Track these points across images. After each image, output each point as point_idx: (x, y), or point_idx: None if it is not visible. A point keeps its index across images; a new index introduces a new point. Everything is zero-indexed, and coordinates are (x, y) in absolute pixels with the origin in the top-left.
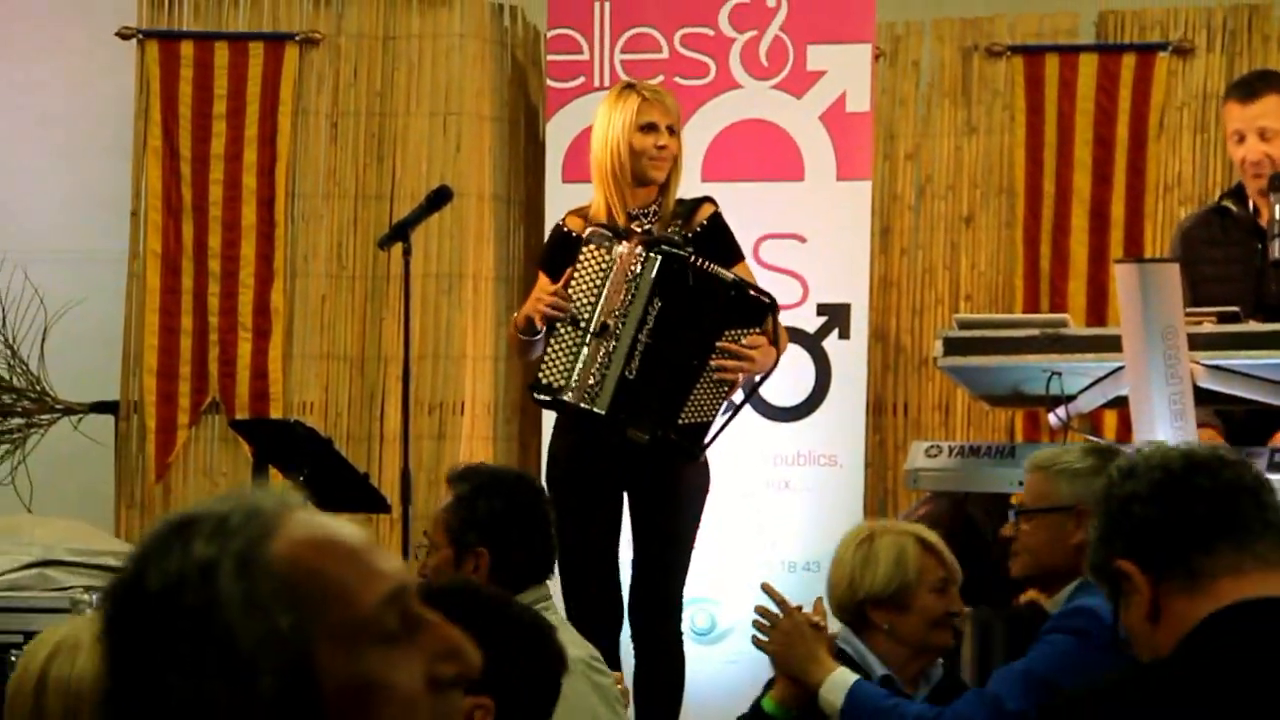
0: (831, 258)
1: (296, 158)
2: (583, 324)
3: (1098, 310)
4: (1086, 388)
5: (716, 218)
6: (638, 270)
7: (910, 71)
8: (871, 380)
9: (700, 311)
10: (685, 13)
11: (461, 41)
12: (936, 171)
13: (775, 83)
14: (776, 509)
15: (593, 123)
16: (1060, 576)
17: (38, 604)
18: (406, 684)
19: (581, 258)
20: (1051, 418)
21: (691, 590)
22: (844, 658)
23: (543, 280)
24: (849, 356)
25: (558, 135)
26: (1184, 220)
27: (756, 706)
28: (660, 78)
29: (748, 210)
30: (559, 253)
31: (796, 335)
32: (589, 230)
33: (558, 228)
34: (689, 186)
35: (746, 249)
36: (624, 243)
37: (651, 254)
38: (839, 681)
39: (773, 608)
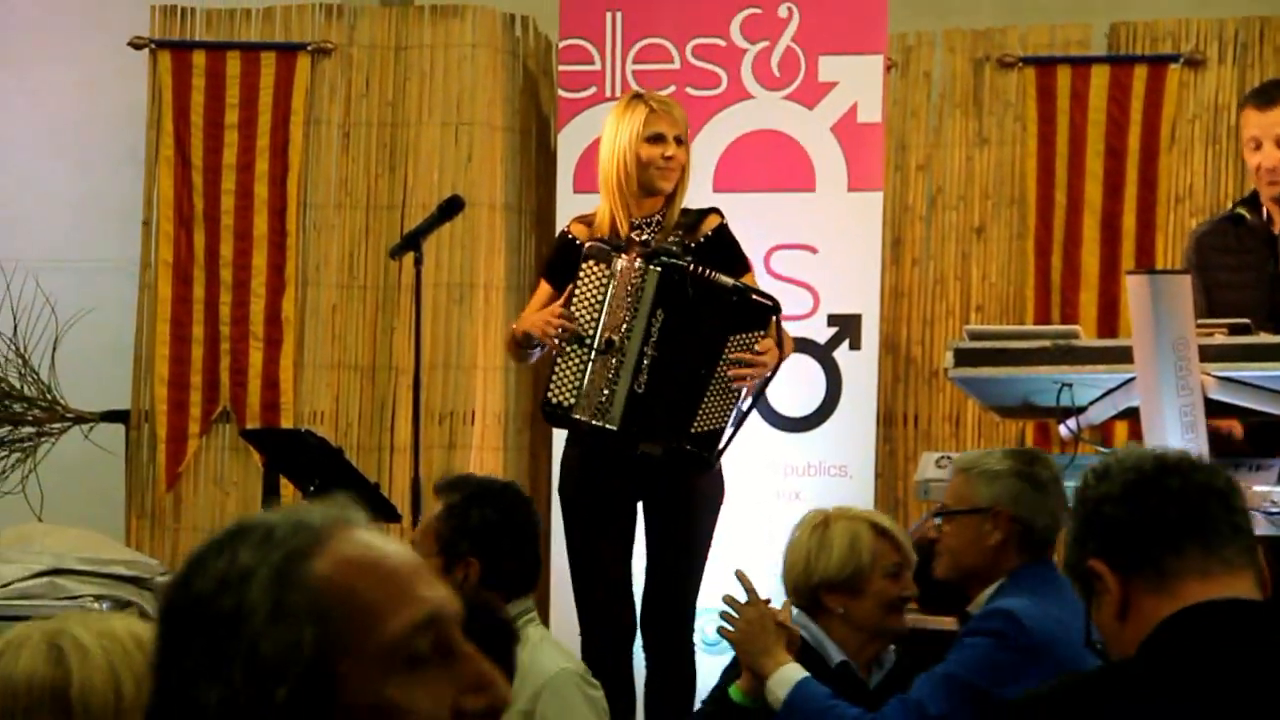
0: (842, 268)
1: (308, 167)
2: (588, 341)
3: (1109, 322)
4: (1097, 399)
5: (723, 229)
6: (638, 283)
7: (922, 82)
8: (882, 391)
9: (704, 319)
10: (697, 23)
11: (473, 52)
12: (948, 182)
13: (787, 93)
14: (787, 519)
15: (601, 132)
16: (980, 578)
17: (48, 612)
18: (429, 711)
19: (581, 274)
20: (1062, 429)
21: (702, 601)
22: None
23: (544, 287)
24: (859, 367)
25: (569, 145)
26: (1197, 228)
27: (723, 694)
28: (672, 88)
29: (759, 221)
30: (562, 260)
31: (807, 346)
32: (588, 245)
33: (562, 235)
34: (700, 197)
35: (757, 259)
36: (622, 256)
37: (651, 266)
38: (787, 676)
39: (744, 597)
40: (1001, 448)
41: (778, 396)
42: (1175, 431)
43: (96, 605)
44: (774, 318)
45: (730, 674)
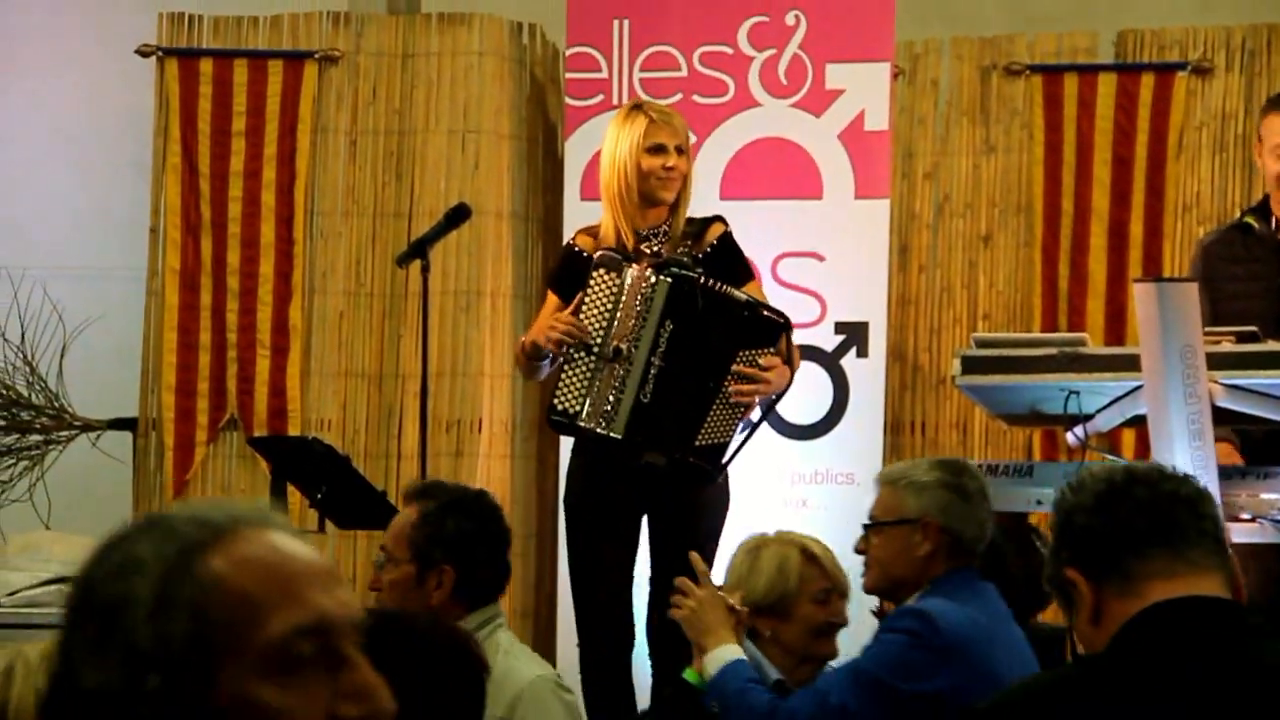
0: (849, 276)
1: (315, 175)
2: (595, 349)
3: (1116, 329)
4: (1104, 407)
5: (726, 237)
6: (648, 293)
7: (929, 90)
8: (889, 399)
9: (713, 332)
10: (704, 31)
11: (480, 60)
12: (955, 190)
13: (794, 101)
14: (794, 527)
15: (602, 143)
16: (909, 588)
17: (57, 620)
18: (298, 716)
19: (591, 282)
20: (1070, 437)
21: None
22: None
23: (551, 299)
24: (867, 375)
25: (576, 153)
26: (1205, 236)
27: (679, 677)
28: (679, 96)
29: (766, 228)
30: (569, 271)
31: (814, 353)
32: (598, 254)
33: (568, 246)
34: (708, 204)
35: (764, 267)
36: (633, 266)
37: (661, 277)
38: (722, 655)
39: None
40: (927, 458)
41: (785, 404)
42: (1183, 439)
43: None
44: (784, 334)
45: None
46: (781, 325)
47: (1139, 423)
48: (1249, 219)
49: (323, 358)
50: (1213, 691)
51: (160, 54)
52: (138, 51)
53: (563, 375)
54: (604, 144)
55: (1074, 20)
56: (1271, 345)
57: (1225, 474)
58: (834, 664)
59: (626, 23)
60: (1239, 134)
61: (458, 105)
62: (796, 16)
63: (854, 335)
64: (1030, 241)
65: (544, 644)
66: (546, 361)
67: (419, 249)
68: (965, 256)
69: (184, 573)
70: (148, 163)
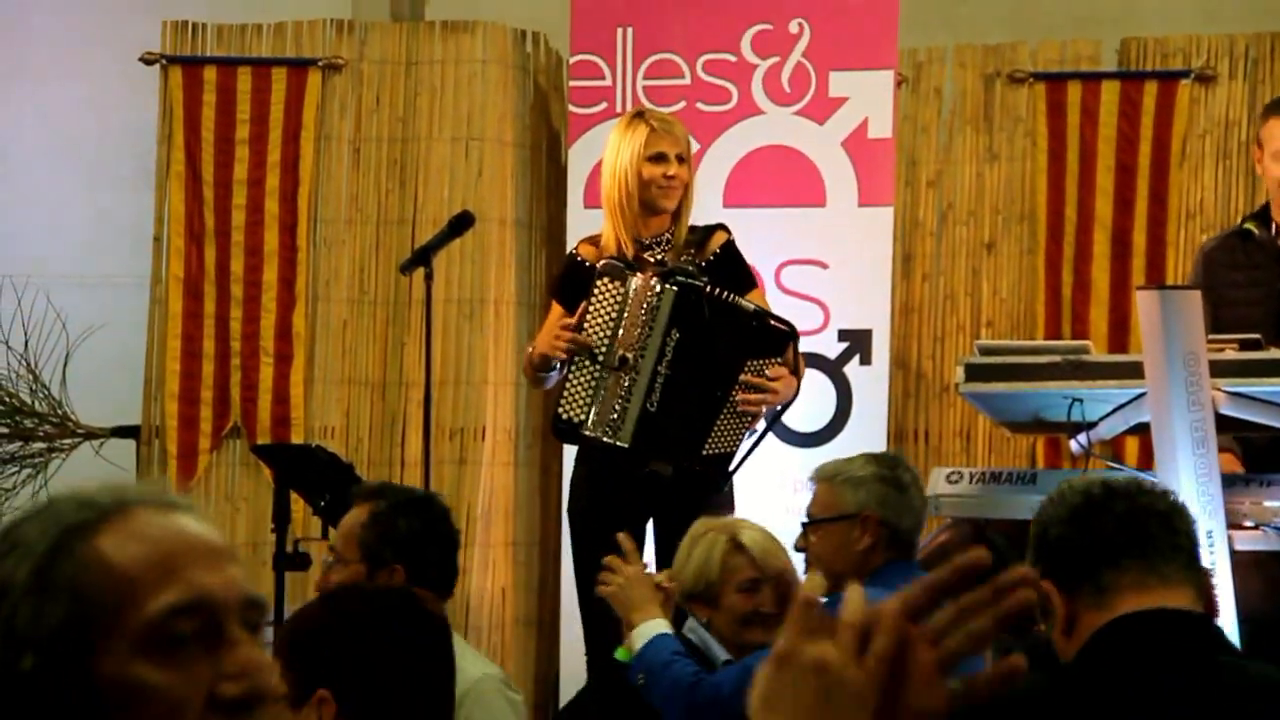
0: (853, 284)
1: (319, 183)
2: (601, 358)
3: (1119, 337)
4: (1108, 414)
5: (729, 245)
6: (654, 302)
7: (932, 98)
8: (893, 406)
9: (720, 342)
10: (707, 39)
11: (484, 67)
12: (958, 198)
13: (797, 109)
14: (795, 535)
15: (603, 152)
16: (849, 582)
17: None
18: (177, 694)
19: (596, 291)
20: (1073, 444)
21: None
22: (688, 645)
23: (556, 309)
24: (870, 382)
25: (579, 161)
26: (1205, 243)
27: (609, 657)
28: (682, 104)
29: (769, 236)
30: (572, 281)
31: (818, 361)
32: (602, 263)
33: (570, 256)
34: (711, 212)
35: (768, 274)
36: (638, 275)
37: (667, 285)
38: (649, 629)
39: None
40: (860, 454)
41: (788, 411)
42: (1186, 447)
43: None
44: (791, 344)
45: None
46: (789, 335)
47: (1142, 430)
48: (1249, 225)
49: (326, 365)
50: (1180, 704)
51: (164, 62)
52: (142, 59)
53: (567, 384)
54: (605, 152)
55: (1077, 28)
56: (1275, 353)
57: (1228, 482)
58: None
59: (630, 30)
60: (1242, 141)
61: (461, 113)
62: (800, 24)
63: (857, 343)
64: (1033, 249)
65: (548, 652)
66: (554, 373)
67: (422, 256)
68: (969, 264)
69: (64, 553)
70: (151, 171)
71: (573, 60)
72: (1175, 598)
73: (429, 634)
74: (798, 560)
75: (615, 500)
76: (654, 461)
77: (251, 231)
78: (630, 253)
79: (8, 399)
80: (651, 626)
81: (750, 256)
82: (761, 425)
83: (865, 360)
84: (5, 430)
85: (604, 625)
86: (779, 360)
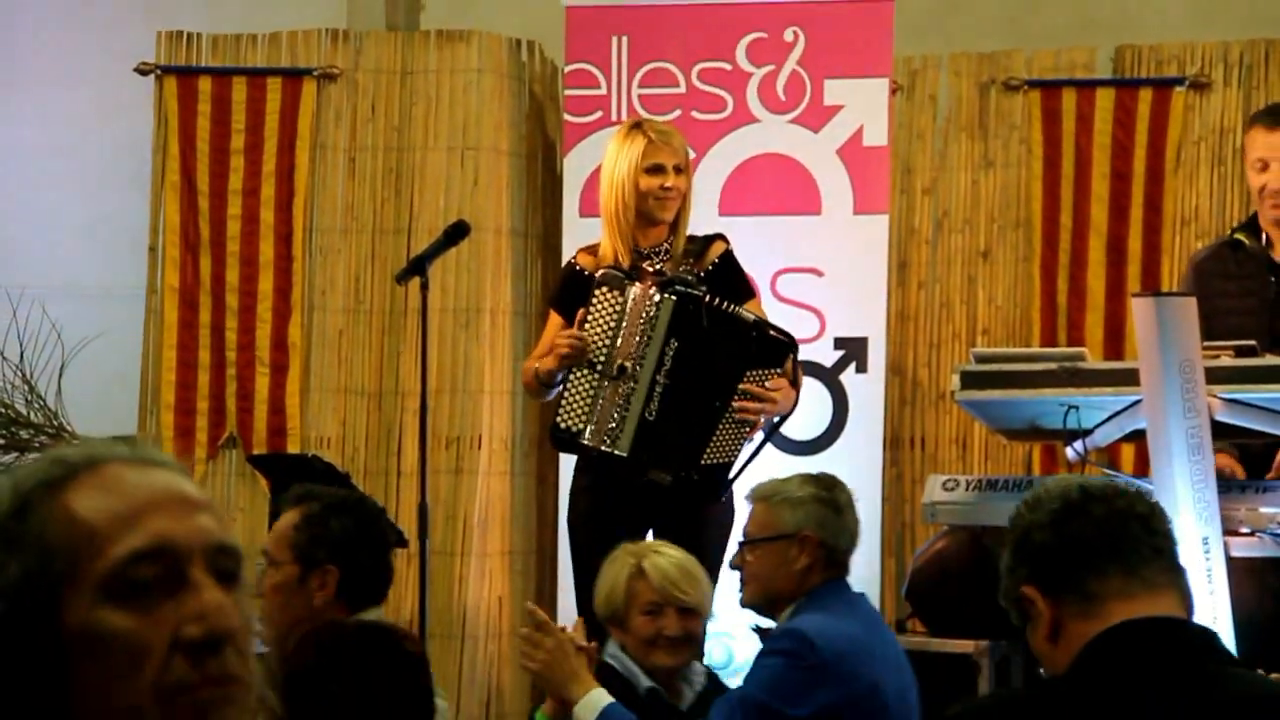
0: (848, 291)
1: (314, 192)
2: (599, 367)
3: (1115, 344)
4: (1104, 421)
5: (728, 255)
6: (652, 312)
7: (927, 105)
8: (889, 414)
9: (719, 351)
10: (702, 48)
11: (479, 76)
12: (953, 205)
13: (792, 117)
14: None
15: (602, 161)
16: (786, 600)
17: None
18: (141, 638)
19: (594, 300)
20: (1069, 451)
21: (711, 625)
22: (611, 670)
23: (554, 319)
24: (866, 390)
25: (575, 170)
26: (1196, 254)
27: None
28: (677, 112)
29: (765, 244)
30: (570, 291)
31: (813, 369)
32: (601, 272)
33: (569, 265)
34: (706, 221)
35: (764, 283)
36: (637, 284)
37: (666, 295)
38: (593, 702)
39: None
40: (796, 474)
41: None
42: (1182, 453)
43: None
44: (790, 355)
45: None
46: (788, 346)
47: (1138, 437)
48: (1239, 235)
49: (322, 375)
50: (1179, 715)
51: (159, 72)
52: (137, 70)
53: (565, 394)
54: (604, 162)
55: (1072, 36)
56: (1270, 360)
57: (1224, 488)
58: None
59: (625, 39)
60: (1236, 148)
61: (456, 122)
62: (795, 33)
63: (853, 351)
64: (1029, 256)
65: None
66: (558, 385)
67: (418, 266)
68: (964, 271)
69: (31, 508)
70: (147, 181)
71: (568, 69)
72: (1161, 603)
73: (407, 672)
74: (730, 580)
75: (615, 510)
76: (652, 470)
77: (247, 241)
78: (628, 262)
79: (3, 410)
80: (595, 699)
81: (746, 265)
82: (760, 436)
83: (861, 368)
84: (1, 442)
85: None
86: (778, 371)
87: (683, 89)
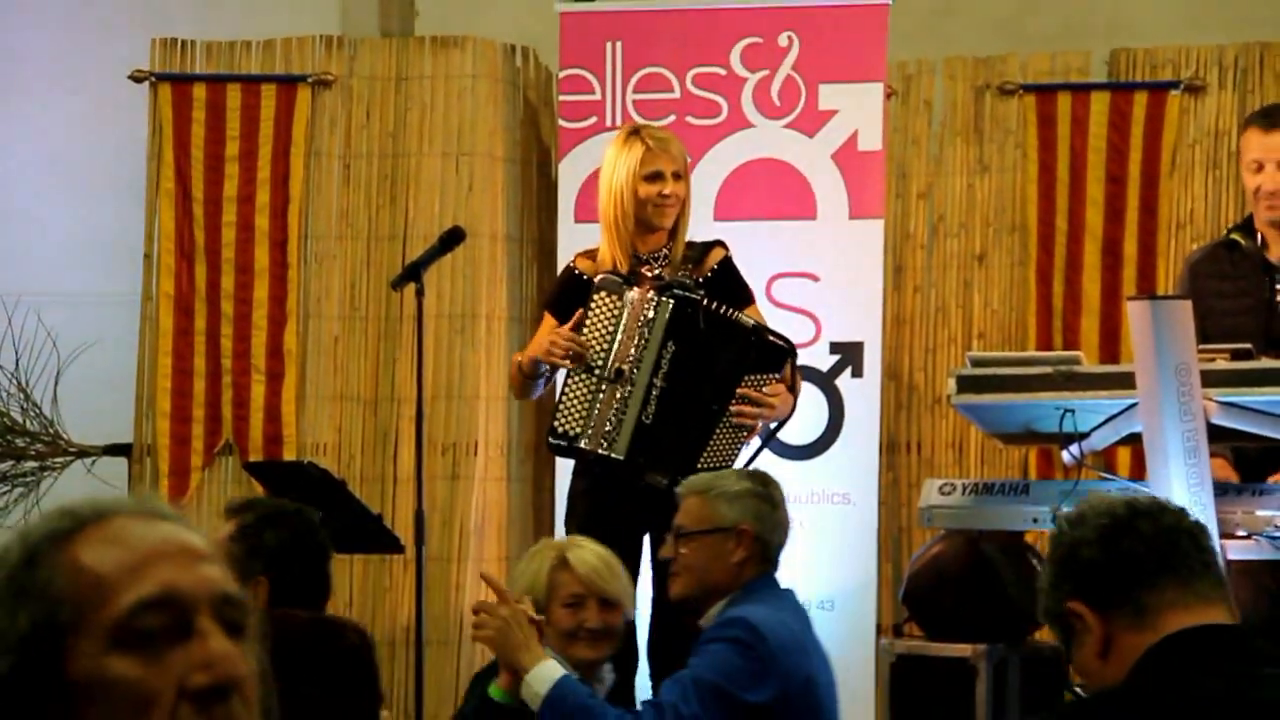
0: (844, 296)
1: (309, 199)
2: (597, 370)
3: (1111, 347)
4: (1100, 425)
5: (727, 261)
6: (650, 315)
7: (922, 110)
8: (885, 418)
9: (717, 356)
10: (697, 53)
11: (474, 82)
12: (949, 209)
13: (787, 122)
14: (790, 547)
15: (601, 165)
16: (719, 594)
17: None
18: (148, 687)
19: (593, 304)
20: (1065, 455)
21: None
22: None
23: (549, 321)
24: (862, 395)
25: (570, 175)
26: (1191, 254)
27: (482, 693)
28: (672, 117)
29: (760, 249)
30: (568, 295)
31: (809, 373)
32: (600, 277)
33: (568, 269)
34: (701, 226)
35: (759, 288)
36: (635, 289)
37: (663, 298)
38: (546, 673)
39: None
40: (730, 470)
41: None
42: (1178, 457)
43: None
44: (789, 361)
45: (486, 674)
46: (787, 352)
47: (1134, 440)
48: (1235, 236)
49: (318, 382)
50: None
51: (153, 79)
52: (131, 77)
53: (563, 397)
54: (602, 168)
55: (1067, 40)
56: (1266, 363)
57: (1220, 491)
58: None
59: (619, 45)
60: (1232, 151)
61: (451, 128)
62: (789, 37)
63: (849, 355)
64: (1024, 260)
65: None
66: (541, 380)
67: (413, 272)
68: (960, 276)
69: (39, 560)
70: (141, 188)
71: (562, 75)
72: (1213, 614)
73: (349, 664)
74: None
75: (613, 514)
76: (649, 474)
77: (242, 248)
78: (627, 268)
79: None
80: (548, 670)
81: (741, 270)
82: (757, 441)
83: (857, 372)
84: None
85: None
86: (776, 376)
87: (677, 94)
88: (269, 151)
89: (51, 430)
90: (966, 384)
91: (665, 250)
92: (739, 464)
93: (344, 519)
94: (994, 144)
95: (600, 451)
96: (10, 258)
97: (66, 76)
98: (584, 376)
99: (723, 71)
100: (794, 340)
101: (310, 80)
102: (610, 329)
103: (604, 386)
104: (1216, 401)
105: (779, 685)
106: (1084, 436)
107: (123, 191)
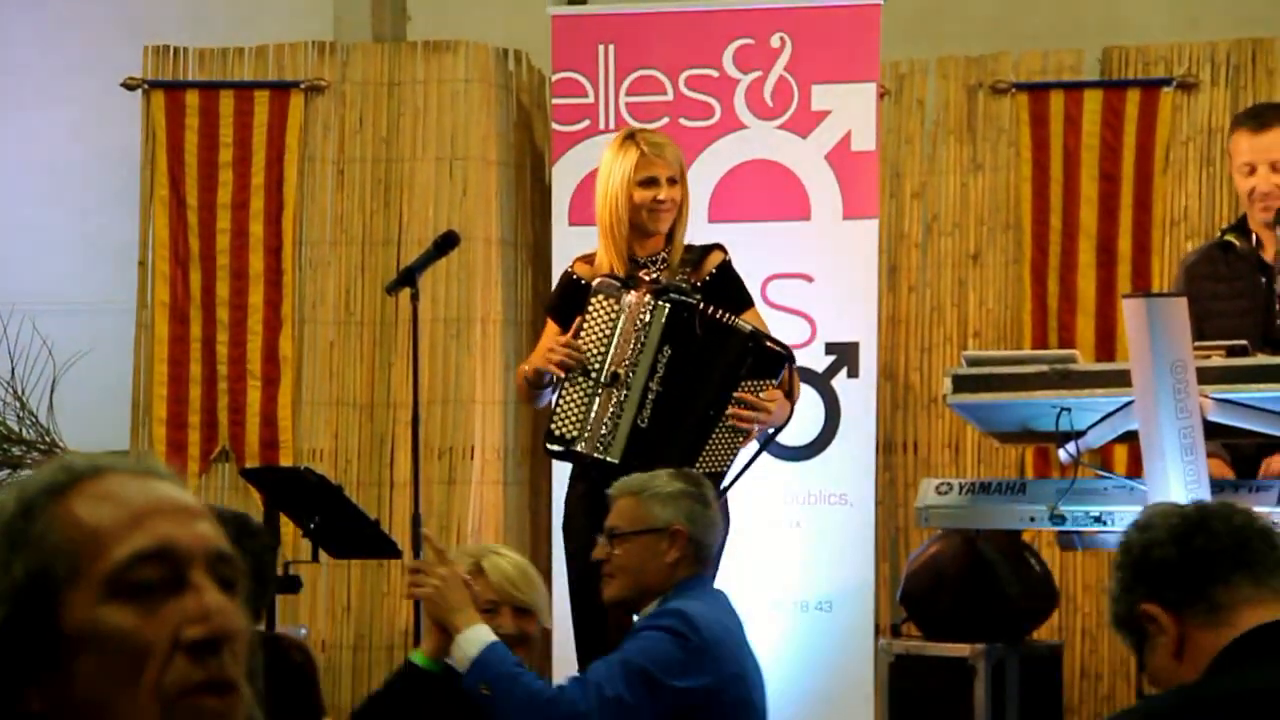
0: (839, 297)
1: (303, 205)
2: (594, 374)
3: (1106, 345)
4: (1096, 423)
5: (726, 265)
6: (646, 319)
7: (915, 110)
8: (881, 418)
9: (714, 361)
10: (689, 55)
11: (466, 87)
12: (943, 209)
13: (780, 123)
14: (787, 548)
15: (598, 169)
16: (653, 594)
17: None
18: (145, 638)
19: (590, 308)
20: (1061, 453)
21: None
22: (450, 671)
23: (551, 327)
24: (858, 395)
25: (564, 178)
26: (1186, 256)
27: (406, 661)
28: (665, 120)
29: (755, 250)
30: (568, 300)
31: (805, 374)
32: (598, 281)
33: (566, 275)
34: (695, 227)
35: (754, 289)
36: (632, 292)
37: (660, 302)
38: (478, 635)
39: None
40: (663, 471)
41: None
42: (1174, 454)
43: None
44: (787, 367)
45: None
46: (785, 358)
47: (1131, 438)
48: (1229, 236)
49: (314, 387)
50: None
51: (146, 87)
52: (124, 85)
53: (559, 401)
54: (599, 172)
55: (1059, 38)
56: (1261, 359)
57: (1217, 487)
58: None
59: (612, 48)
60: (1225, 148)
61: (445, 132)
62: (782, 38)
63: (844, 356)
64: (1019, 259)
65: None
66: (548, 389)
67: (408, 277)
68: (954, 275)
69: (35, 512)
70: (135, 195)
71: (555, 78)
72: None
73: (294, 680)
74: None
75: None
76: None
77: (236, 255)
78: (624, 272)
79: None
80: (480, 632)
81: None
82: (754, 446)
83: (853, 373)
84: None
85: (598, 642)
86: (774, 383)
87: (670, 96)
88: (262, 158)
89: (48, 438)
90: (962, 383)
91: (663, 254)
92: (736, 468)
93: (341, 524)
94: (987, 143)
95: (596, 455)
96: (4, 266)
97: (59, 85)
98: (581, 380)
99: (715, 73)
100: (788, 341)
101: (303, 86)
102: (607, 332)
103: (600, 390)
104: (1212, 398)
105: (709, 677)
106: (1080, 435)
107: (117, 199)
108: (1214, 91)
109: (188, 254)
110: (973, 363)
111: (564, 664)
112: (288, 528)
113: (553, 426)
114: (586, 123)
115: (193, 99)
